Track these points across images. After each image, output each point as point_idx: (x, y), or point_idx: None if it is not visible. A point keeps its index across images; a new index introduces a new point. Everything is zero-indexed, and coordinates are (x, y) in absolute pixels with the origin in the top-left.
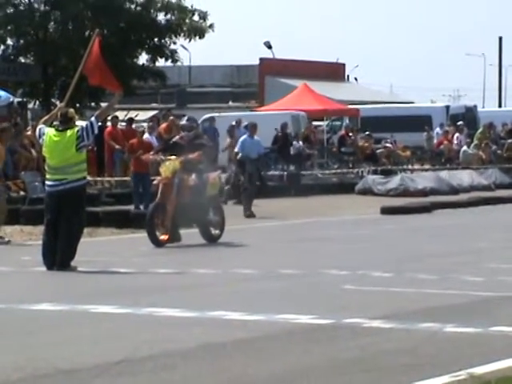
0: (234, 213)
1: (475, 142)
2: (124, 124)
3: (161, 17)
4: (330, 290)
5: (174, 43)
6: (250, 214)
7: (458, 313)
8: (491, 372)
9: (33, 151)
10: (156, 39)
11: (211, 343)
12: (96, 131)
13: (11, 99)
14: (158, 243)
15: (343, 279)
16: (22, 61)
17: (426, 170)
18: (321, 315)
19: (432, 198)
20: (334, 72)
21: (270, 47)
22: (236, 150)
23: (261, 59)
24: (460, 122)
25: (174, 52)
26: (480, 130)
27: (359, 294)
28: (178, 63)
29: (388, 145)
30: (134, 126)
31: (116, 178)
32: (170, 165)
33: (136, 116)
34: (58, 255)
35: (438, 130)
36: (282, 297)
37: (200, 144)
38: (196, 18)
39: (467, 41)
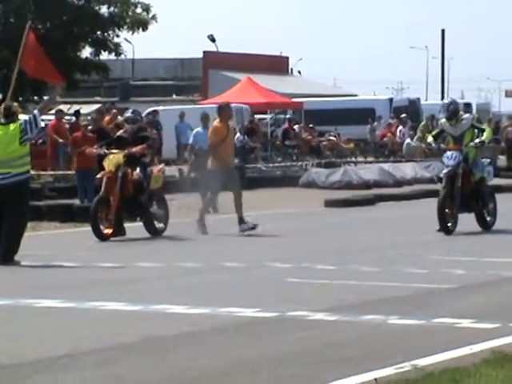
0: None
1: (418, 134)
2: (68, 118)
3: (104, 9)
4: (274, 282)
5: (118, 36)
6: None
7: (402, 305)
8: (435, 364)
9: None
10: (99, 32)
11: (155, 337)
12: (39, 124)
13: None
14: (102, 237)
15: (287, 272)
16: None
17: (370, 163)
18: (265, 308)
19: (375, 191)
20: (278, 65)
21: (213, 40)
22: (190, 142)
23: (204, 52)
24: (403, 115)
25: (117, 45)
26: (423, 123)
27: (303, 287)
28: (122, 56)
29: (332, 138)
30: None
31: (59, 172)
32: (114, 158)
33: (79, 109)
34: (1, 249)
35: (378, 122)
36: (226, 290)
37: (144, 137)
38: (139, 10)
39: (411, 34)
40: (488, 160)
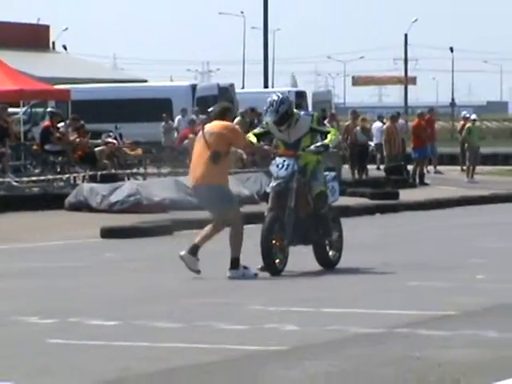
0: None
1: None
2: None
3: None
4: (28, 345)
5: None
6: None
7: (209, 375)
8: None
9: None
10: None
11: None
12: None
13: None
14: None
15: (48, 330)
16: None
17: (165, 176)
18: (15, 381)
19: (173, 215)
20: (34, 38)
21: None
22: None
23: None
24: (211, 108)
25: None
26: (237, 119)
27: (70, 351)
28: None
29: (111, 140)
30: None
31: None
32: None
33: None
34: None
35: (179, 118)
36: None
37: None
38: None
39: None
40: (332, 174)
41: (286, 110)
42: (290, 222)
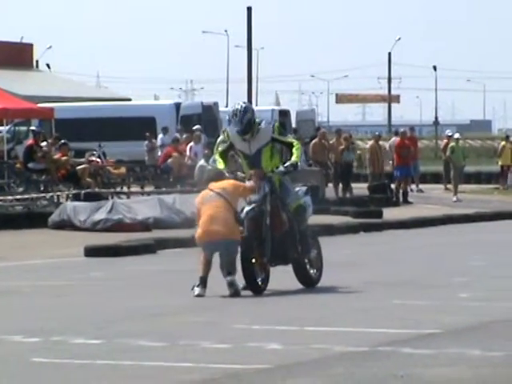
0: None
1: (216, 153)
2: None
3: None
4: (12, 364)
5: None
6: None
7: None
8: None
9: None
10: None
11: None
12: None
13: None
14: None
15: (32, 348)
16: None
17: (148, 194)
18: None
19: (156, 233)
20: (18, 56)
21: None
22: None
23: None
24: (197, 127)
25: None
26: (221, 138)
27: (54, 370)
28: None
29: (94, 159)
30: None
31: None
32: None
33: None
34: None
35: (161, 136)
36: None
37: None
38: None
39: (206, 14)
40: (304, 188)
41: (250, 118)
42: (268, 239)
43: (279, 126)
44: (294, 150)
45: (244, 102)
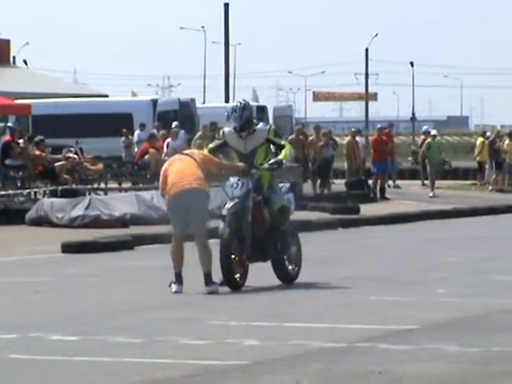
0: None
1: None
2: None
3: None
4: None
5: None
6: None
7: None
8: None
9: None
10: None
11: None
12: None
13: None
14: None
15: (9, 345)
16: None
17: (126, 191)
18: None
19: (134, 230)
20: None
21: None
22: None
23: None
24: (175, 123)
25: None
26: (199, 134)
27: (31, 367)
28: None
29: (72, 155)
30: None
31: None
32: None
33: None
34: None
35: (138, 132)
36: None
37: None
38: None
39: (183, 11)
40: (287, 185)
41: (249, 115)
42: (248, 236)
43: (276, 129)
44: (283, 150)
45: (244, 100)
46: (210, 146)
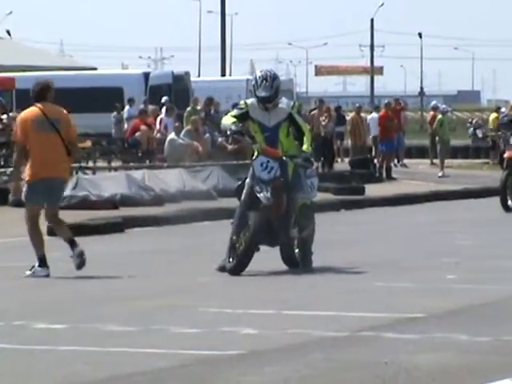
0: None
1: (188, 127)
2: None
3: None
4: None
5: None
6: None
7: (162, 381)
8: None
9: None
10: None
11: None
12: None
13: None
14: None
15: None
16: None
17: (115, 170)
18: None
19: (124, 211)
20: None
21: None
22: None
23: None
24: (165, 98)
25: None
26: (188, 110)
27: (16, 356)
28: None
29: None
30: None
31: None
32: None
33: None
34: None
35: (128, 108)
36: None
37: None
38: None
39: None
40: (313, 169)
41: (279, 85)
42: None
43: (299, 106)
44: (305, 138)
45: (271, 70)
46: (232, 113)
